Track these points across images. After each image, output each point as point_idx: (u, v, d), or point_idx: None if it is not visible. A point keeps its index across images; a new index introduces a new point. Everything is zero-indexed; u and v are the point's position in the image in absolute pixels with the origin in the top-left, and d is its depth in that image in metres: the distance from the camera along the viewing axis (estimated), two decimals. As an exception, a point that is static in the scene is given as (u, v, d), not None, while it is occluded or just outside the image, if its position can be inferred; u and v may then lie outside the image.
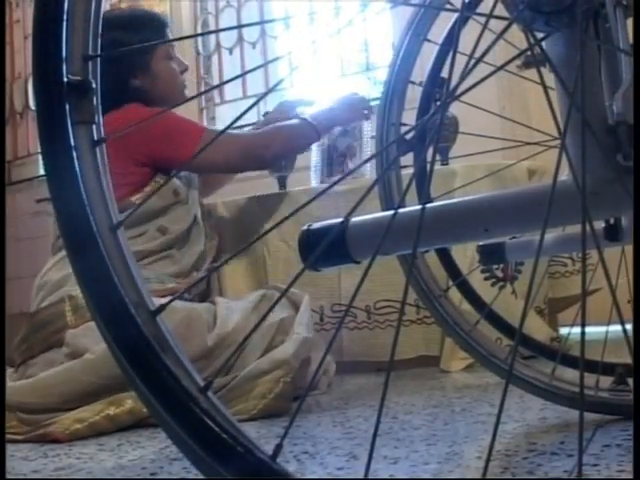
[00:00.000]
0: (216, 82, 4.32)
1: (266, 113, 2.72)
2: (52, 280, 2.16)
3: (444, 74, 1.57)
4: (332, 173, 2.76)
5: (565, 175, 0.68)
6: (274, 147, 2.34)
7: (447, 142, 2.51)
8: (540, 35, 0.66)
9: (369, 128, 2.69)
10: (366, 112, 2.56)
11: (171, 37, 2.54)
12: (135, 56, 2.38)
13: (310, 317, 2.13)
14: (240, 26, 4.22)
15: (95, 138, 0.62)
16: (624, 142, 0.57)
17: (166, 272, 2.25)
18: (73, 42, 0.62)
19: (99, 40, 0.64)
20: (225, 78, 4.34)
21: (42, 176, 4.57)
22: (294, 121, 2.42)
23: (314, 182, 2.80)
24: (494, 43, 0.57)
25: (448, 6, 1.12)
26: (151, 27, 2.40)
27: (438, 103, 2.37)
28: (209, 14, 4.47)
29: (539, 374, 1.40)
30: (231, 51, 4.30)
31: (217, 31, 4.35)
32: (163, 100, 2.41)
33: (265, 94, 0.65)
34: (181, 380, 0.54)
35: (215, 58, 4.39)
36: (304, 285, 2.27)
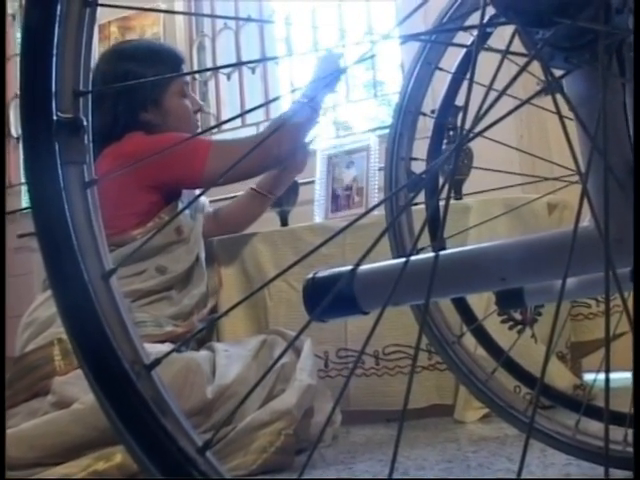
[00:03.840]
0: (213, 108, 4.35)
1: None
2: (40, 318, 2.16)
3: (458, 102, 1.58)
4: (337, 208, 2.77)
5: (587, 220, 0.68)
6: (285, 140, 2.39)
7: (461, 175, 2.52)
8: (559, 72, 0.67)
9: (376, 160, 2.70)
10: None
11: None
12: (147, 90, 2.43)
13: (313, 362, 2.12)
14: (241, 63, 4.25)
15: (86, 179, 0.62)
16: (650, 185, 0.58)
17: (164, 314, 2.25)
18: (63, 77, 0.63)
19: (90, 75, 0.65)
20: (223, 104, 4.36)
21: (24, 209, 4.58)
22: (290, 108, 2.49)
23: (318, 218, 2.80)
24: (512, 82, 0.58)
25: (462, 35, 1.13)
26: (166, 62, 2.47)
27: (451, 133, 2.40)
28: (205, 36, 4.50)
29: (561, 427, 1.39)
30: (229, 76, 4.33)
31: (217, 68, 4.38)
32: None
33: (273, 132, 0.66)
34: (178, 441, 0.54)
35: (212, 83, 4.41)
36: (307, 328, 2.27)
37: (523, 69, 0.56)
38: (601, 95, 0.54)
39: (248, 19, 4.21)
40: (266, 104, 4.27)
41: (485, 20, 0.64)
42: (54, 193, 0.60)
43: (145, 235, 2.30)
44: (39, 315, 2.18)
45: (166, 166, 2.29)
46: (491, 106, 0.59)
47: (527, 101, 0.60)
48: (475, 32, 1.10)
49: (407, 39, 1.16)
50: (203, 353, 2.11)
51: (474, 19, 0.75)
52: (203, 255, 2.54)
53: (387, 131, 1.56)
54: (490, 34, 1.14)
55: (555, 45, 0.63)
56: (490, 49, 0.70)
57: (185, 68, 2.57)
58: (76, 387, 1.90)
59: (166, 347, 2.03)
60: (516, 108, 0.63)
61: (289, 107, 2.51)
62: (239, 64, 4.38)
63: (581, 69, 0.67)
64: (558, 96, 0.60)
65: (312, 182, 2.88)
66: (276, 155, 2.38)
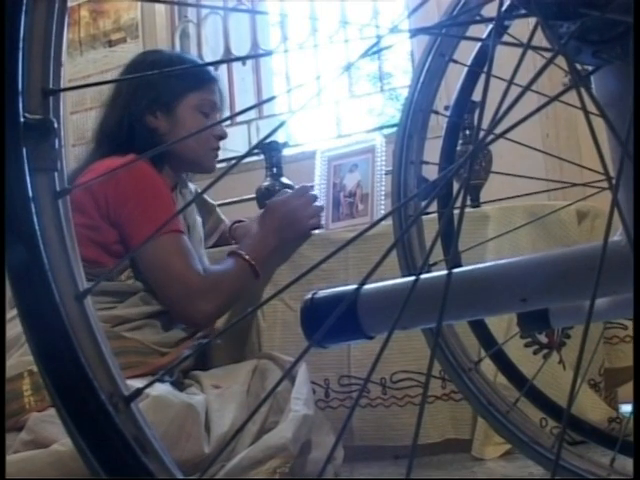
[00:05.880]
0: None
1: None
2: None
3: (475, 97, 1.59)
4: (339, 217, 2.77)
5: (618, 234, 0.69)
6: (213, 303, 2.25)
7: (478, 179, 2.52)
8: (587, 68, 0.68)
9: (382, 163, 2.71)
10: (315, 218, 2.46)
11: (218, 95, 2.54)
12: (158, 93, 2.42)
13: (310, 390, 2.12)
14: (230, 60, 4.26)
15: (57, 188, 0.62)
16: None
17: (149, 340, 2.22)
18: (31, 73, 0.63)
19: (62, 71, 0.65)
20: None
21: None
22: (231, 265, 2.31)
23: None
24: (535, 79, 0.58)
25: (478, 26, 1.14)
26: (187, 72, 2.45)
27: (467, 132, 2.41)
28: (189, 22, 4.51)
29: (594, 465, 1.39)
30: (216, 68, 4.34)
31: (202, 65, 4.39)
32: (182, 159, 2.44)
33: (252, 147, 0.67)
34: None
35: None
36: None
37: (546, 66, 0.56)
38: (633, 94, 0.55)
39: (237, 9, 4.22)
40: (259, 105, 4.29)
41: (503, 11, 0.65)
42: (22, 203, 0.60)
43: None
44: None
45: (127, 206, 2.23)
46: (512, 105, 0.60)
47: (554, 99, 0.60)
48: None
49: (417, 32, 1.17)
50: (198, 397, 2.06)
51: (490, 9, 0.76)
52: None
53: (395, 130, 1.57)
54: (509, 26, 1.15)
55: (582, 39, 0.64)
56: (509, 43, 0.70)
57: (215, 89, 2.51)
58: (55, 427, 1.85)
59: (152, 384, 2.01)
60: (542, 107, 0.63)
61: (228, 263, 2.34)
62: (227, 61, 4.38)
63: (611, 65, 0.68)
64: (586, 94, 0.61)
65: (311, 187, 2.88)
66: (196, 307, 2.25)
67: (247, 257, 2.31)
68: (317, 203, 2.43)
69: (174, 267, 2.22)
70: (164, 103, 2.43)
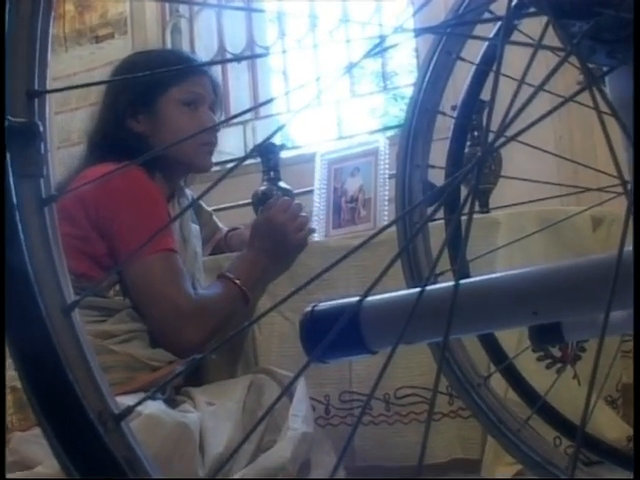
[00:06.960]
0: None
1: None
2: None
3: (483, 96, 1.59)
4: (340, 224, 2.76)
5: (635, 242, 0.69)
6: (201, 330, 2.21)
7: (487, 184, 2.52)
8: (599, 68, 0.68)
9: (386, 166, 2.70)
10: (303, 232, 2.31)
11: (209, 88, 2.43)
12: (138, 94, 2.35)
13: (309, 407, 2.12)
14: (225, 61, 4.27)
15: (43, 195, 0.62)
16: None
17: (139, 354, 2.19)
18: (15, 74, 0.63)
19: (47, 71, 0.65)
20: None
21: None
22: (221, 290, 2.26)
23: (317, 235, 2.80)
24: (547, 80, 0.59)
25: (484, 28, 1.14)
26: (168, 65, 2.37)
27: (476, 134, 2.41)
28: (181, 17, 4.51)
29: (611, 487, 1.40)
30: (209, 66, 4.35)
31: (196, 65, 4.39)
32: (172, 161, 2.35)
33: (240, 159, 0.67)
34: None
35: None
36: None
37: (558, 67, 0.57)
38: (633, 92, 0.55)
39: (231, 7, 4.22)
40: (256, 108, 4.29)
41: (511, 10, 0.65)
42: (6, 211, 0.60)
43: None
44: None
45: (119, 212, 2.20)
46: (524, 106, 0.60)
47: (568, 100, 0.60)
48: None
49: (421, 32, 1.17)
50: (192, 416, 2.04)
51: (498, 6, 0.76)
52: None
53: (399, 131, 1.57)
54: (518, 24, 1.15)
55: (596, 38, 0.64)
56: (518, 42, 0.71)
57: (202, 81, 2.40)
58: (40, 447, 1.83)
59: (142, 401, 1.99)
60: (556, 108, 0.63)
61: (218, 288, 2.26)
62: (221, 62, 4.38)
63: (627, 65, 0.68)
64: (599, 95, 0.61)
65: (310, 192, 2.88)
66: (184, 334, 2.20)
67: (238, 282, 2.25)
68: (302, 213, 2.33)
69: (164, 290, 2.18)
70: (144, 103, 2.35)
